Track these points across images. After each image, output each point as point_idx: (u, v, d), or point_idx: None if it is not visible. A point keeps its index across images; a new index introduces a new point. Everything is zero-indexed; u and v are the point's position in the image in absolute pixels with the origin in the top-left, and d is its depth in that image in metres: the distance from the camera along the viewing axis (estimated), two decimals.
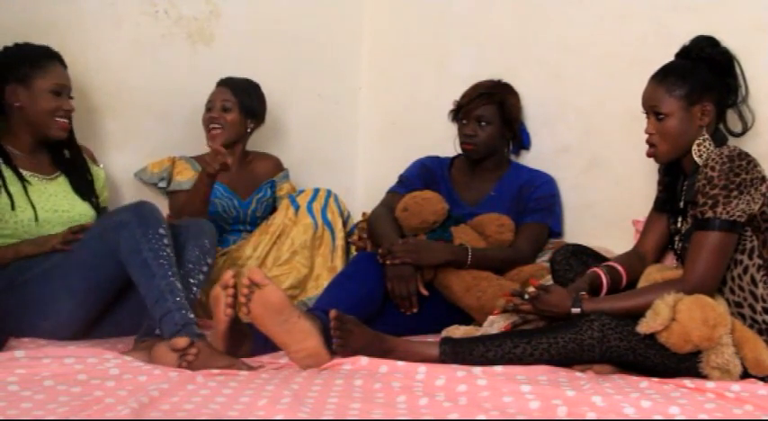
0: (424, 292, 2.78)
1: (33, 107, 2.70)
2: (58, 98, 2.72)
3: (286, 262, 3.02)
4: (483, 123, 3.10)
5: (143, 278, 2.39)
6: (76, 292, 2.52)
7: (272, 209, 3.32)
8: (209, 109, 3.24)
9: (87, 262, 2.50)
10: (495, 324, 2.53)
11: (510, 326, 2.41)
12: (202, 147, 3.27)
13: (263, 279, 2.31)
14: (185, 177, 3.20)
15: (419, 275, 2.79)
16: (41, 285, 2.52)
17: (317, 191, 3.13)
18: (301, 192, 3.16)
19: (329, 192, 3.14)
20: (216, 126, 3.21)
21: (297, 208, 3.07)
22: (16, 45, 2.76)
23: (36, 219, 2.64)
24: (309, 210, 3.06)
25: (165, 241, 2.44)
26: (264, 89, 3.33)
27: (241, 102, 3.24)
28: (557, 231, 3.13)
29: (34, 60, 2.71)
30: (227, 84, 3.27)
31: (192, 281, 2.54)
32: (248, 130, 3.30)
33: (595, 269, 2.47)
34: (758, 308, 2.28)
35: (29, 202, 2.65)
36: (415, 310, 2.77)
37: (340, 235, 3.12)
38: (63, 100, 2.74)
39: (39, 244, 2.60)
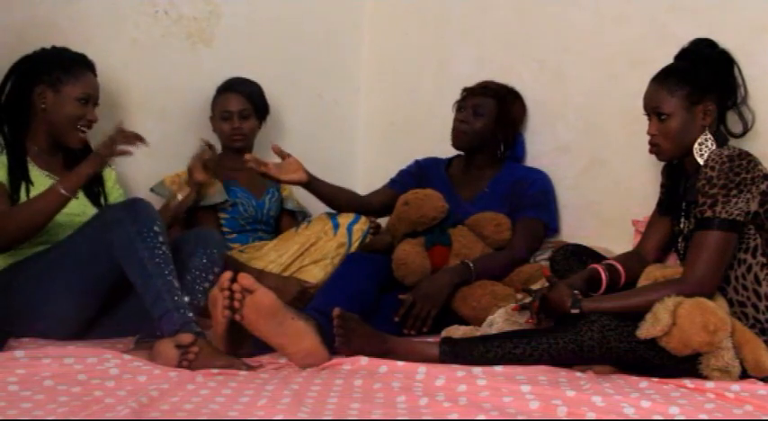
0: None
1: (58, 112, 2.71)
2: (84, 107, 2.73)
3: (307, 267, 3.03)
4: (478, 114, 3.10)
5: (140, 278, 2.39)
6: (74, 291, 2.51)
7: (280, 208, 3.33)
8: (226, 119, 3.19)
9: (83, 260, 2.49)
10: (494, 324, 2.54)
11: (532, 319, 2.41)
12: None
13: (252, 284, 2.30)
14: (215, 190, 3.13)
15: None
16: (40, 285, 2.51)
17: (358, 216, 3.08)
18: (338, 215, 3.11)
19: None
20: (238, 137, 3.18)
21: (336, 226, 3.04)
22: (54, 48, 2.77)
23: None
24: (349, 230, 3.05)
25: (161, 239, 2.43)
26: (264, 89, 3.33)
27: (255, 107, 3.23)
28: (552, 227, 3.12)
29: (68, 66, 2.72)
30: (238, 89, 3.22)
31: (197, 288, 2.53)
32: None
33: (595, 266, 2.47)
34: (761, 307, 2.28)
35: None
36: (414, 333, 2.71)
37: None
38: (88, 109, 2.75)
39: (90, 160, 2.54)
